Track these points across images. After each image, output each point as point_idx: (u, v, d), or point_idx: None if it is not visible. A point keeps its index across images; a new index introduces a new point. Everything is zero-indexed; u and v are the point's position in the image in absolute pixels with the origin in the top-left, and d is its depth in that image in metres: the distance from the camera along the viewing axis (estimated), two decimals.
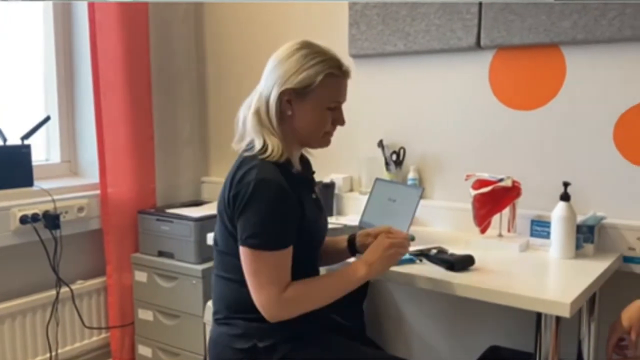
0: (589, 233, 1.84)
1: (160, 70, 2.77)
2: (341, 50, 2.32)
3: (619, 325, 1.51)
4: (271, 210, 1.36)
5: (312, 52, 1.43)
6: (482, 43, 2.08)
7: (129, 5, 2.56)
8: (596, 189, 1.95)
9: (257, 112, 1.46)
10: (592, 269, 1.68)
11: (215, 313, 1.55)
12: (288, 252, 1.40)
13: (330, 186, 2.42)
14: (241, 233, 1.39)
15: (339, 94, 1.49)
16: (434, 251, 1.75)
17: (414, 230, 2.06)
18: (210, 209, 2.50)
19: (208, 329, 2.40)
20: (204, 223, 2.41)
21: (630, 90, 1.87)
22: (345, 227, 2.20)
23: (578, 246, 1.81)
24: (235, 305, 1.46)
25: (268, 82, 1.45)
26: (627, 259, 1.87)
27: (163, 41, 2.78)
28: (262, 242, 1.36)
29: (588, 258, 1.81)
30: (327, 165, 2.49)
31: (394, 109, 2.37)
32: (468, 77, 2.17)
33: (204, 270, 2.39)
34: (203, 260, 2.43)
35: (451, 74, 2.21)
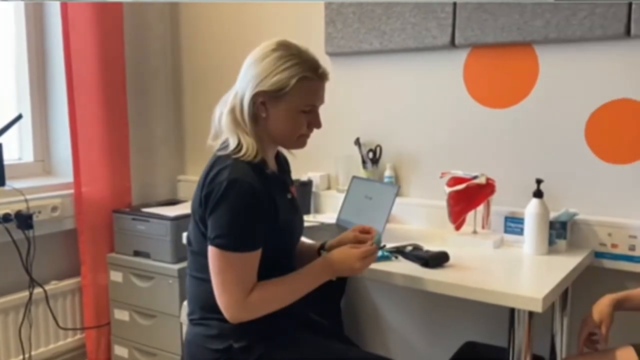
0: (561, 229, 1.86)
1: (135, 69, 2.74)
2: (317, 49, 2.33)
3: (589, 319, 1.54)
4: (240, 212, 1.35)
5: (288, 54, 1.41)
6: (456, 42, 2.10)
7: (103, 4, 2.53)
8: (568, 185, 1.98)
9: (233, 111, 1.44)
10: (565, 265, 1.71)
11: (190, 313, 1.53)
12: (255, 254, 1.38)
13: (307, 184, 2.42)
14: (210, 232, 1.38)
15: (314, 98, 1.46)
16: (409, 248, 1.77)
17: (390, 227, 2.08)
18: (187, 208, 2.45)
19: (185, 329, 2.39)
20: (180, 222, 2.39)
21: (601, 89, 1.91)
22: (323, 225, 2.21)
23: (551, 242, 1.84)
24: (210, 306, 1.45)
25: (243, 82, 1.44)
26: (598, 255, 1.90)
27: (138, 40, 2.76)
28: (229, 242, 1.35)
29: (561, 254, 1.84)
30: (304, 163, 2.48)
31: (370, 107, 2.38)
32: (443, 76, 2.19)
33: (180, 270, 2.38)
34: (179, 260, 2.41)
35: (426, 73, 2.22)
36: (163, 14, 2.87)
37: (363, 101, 2.39)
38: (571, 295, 1.93)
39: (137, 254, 2.53)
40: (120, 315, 2.60)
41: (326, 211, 2.44)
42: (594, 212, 1.93)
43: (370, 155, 2.34)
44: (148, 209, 2.57)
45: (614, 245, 1.88)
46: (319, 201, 2.46)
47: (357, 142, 2.36)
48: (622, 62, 1.86)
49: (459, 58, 2.14)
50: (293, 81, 1.39)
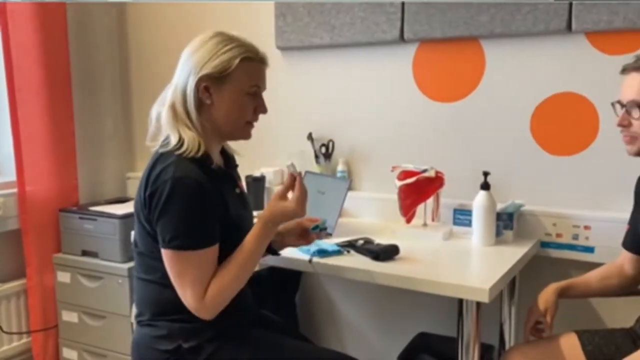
0: (508, 220, 1.91)
1: (80, 65, 2.66)
2: (268, 43, 2.32)
3: (535, 308, 1.58)
4: (191, 210, 1.32)
5: (226, 39, 1.40)
6: (405, 36, 2.11)
7: (44, 3, 2.45)
8: (515, 177, 2.03)
9: (173, 106, 1.41)
10: (511, 255, 1.75)
11: (138, 315, 1.49)
12: (213, 250, 1.36)
13: (260, 180, 2.40)
14: (163, 235, 1.34)
15: (258, 78, 1.44)
16: (361, 242, 1.78)
17: (342, 221, 2.08)
18: None
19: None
20: (128, 220, 2.33)
21: (545, 82, 1.96)
22: None
23: (498, 233, 1.88)
24: (158, 307, 1.42)
25: (182, 73, 1.41)
26: (544, 244, 1.96)
27: (83, 35, 2.67)
28: (184, 243, 1.32)
29: (508, 244, 1.88)
30: (257, 158, 2.48)
31: (322, 101, 2.37)
32: (393, 70, 2.20)
33: (129, 269, 2.32)
34: (129, 259, 2.35)
35: (377, 67, 2.23)
36: (108, 10, 2.79)
37: (315, 96, 2.38)
38: (518, 284, 1.98)
39: (85, 253, 2.46)
40: (69, 317, 2.52)
41: None
42: (539, 203, 1.99)
43: (323, 150, 2.34)
44: (96, 208, 2.50)
45: (558, 235, 1.93)
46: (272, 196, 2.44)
47: (310, 136, 2.35)
48: (564, 56, 1.91)
49: (408, 53, 2.16)
50: (236, 61, 1.38)
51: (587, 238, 1.89)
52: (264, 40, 2.42)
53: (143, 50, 2.81)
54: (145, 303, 1.47)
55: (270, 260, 1.73)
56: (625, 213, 1.70)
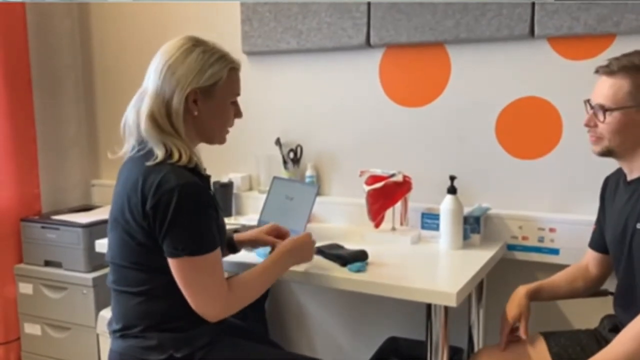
0: (475, 224, 1.92)
1: (41, 68, 2.60)
2: (234, 47, 2.30)
3: (511, 313, 1.58)
4: (200, 215, 1.33)
5: (209, 49, 1.41)
6: (371, 41, 2.12)
7: (2, 3, 2.38)
8: (481, 181, 2.05)
9: (152, 117, 1.37)
10: (479, 259, 1.76)
11: (121, 329, 1.44)
12: (219, 251, 1.39)
13: (228, 186, 2.37)
14: (175, 244, 1.32)
15: (239, 87, 1.49)
16: (330, 248, 1.77)
17: (311, 226, 2.07)
18: (102, 214, 2.39)
19: (102, 339, 2.29)
20: (93, 229, 2.29)
21: (510, 87, 1.98)
22: (243, 228, 2.17)
23: (465, 237, 1.89)
24: (148, 319, 1.40)
25: (165, 84, 1.38)
26: (510, 247, 1.98)
27: (44, 37, 2.61)
28: (199, 248, 1.33)
29: (475, 248, 1.89)
30: (225, 164, 2.45)
31: (289, 106, 2.36)
32: (359, 75, 2.20)
33: (95, 279, 2.28)
34: (94, 269, 2.31)
35: (343, 72, 2.23)
36: (70, 11, 2.73)
37: (282, 101, 2.37)
38: (486, 287, 1.99)
39: (48, 263, 2.41)
40: (31, 329, 2.46)
41: (248, 212, 2.40)
42: (505, 206, 2.01)
43: (291, 155, 2.33)
44: (59, 216, 2.44)
45: (524, 238, 1.95)
46: (240, 202, 2.43)
47: (278, 142, 2.34)
48: (527, 61, 1.94)
49: (375, 58, 2.16)
50: (224, 73, 1.41)
51: (552, 240, 1.91)
52: (230, 45, 2.37)
53: (107, 52, 2.76)
54: (131, 315, 1.43)
55: (238, 268, 1.71)
56: (589, 215, 1.73)
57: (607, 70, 1.39)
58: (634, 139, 1.40)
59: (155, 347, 1.39)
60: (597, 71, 1.43)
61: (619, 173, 1.53)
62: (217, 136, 1.50)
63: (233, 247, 1.69)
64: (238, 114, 1.51)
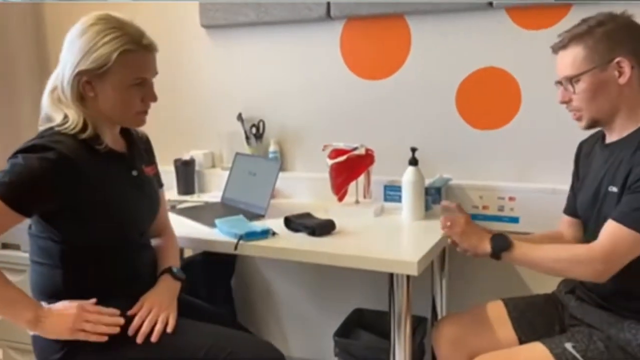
0: (436, 195, 1.94)
1: None
2: (192, 21, 2.25)
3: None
4: (27, 170, 1.26)
5: (107, 28, 1.34)
6: (332, 14, 2.10)
7: None
8: (442, 152, 2.07)
9: (54, 91, 1.38)
10: (440, 229, 1.77)
11: None
12: (12, 215, 1.26)
13: (190, 163, 2.34)
14: None
15: (142, 70, 1.40)
16: (300, 217, 1.76)
17: (275, 202, 2.07)
18: None
19: None
20: None
21: (469, 58, 1.99)
22: (207, 205, 2.15)
23: (427, 207, 1.91)
24: (51, 290, 1.39)
25: (62, 62, 1.37)
26: (472, 217, 1.97)
27: None
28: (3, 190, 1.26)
29: (437, 218, 1.89)
30: (186, 141, 2.41)
31: (250, 81, 2.33)
32: (321, 48, 2.18)
33: None
34: None
35: (304, 45, 2.21)
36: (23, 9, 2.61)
37: (243, 75, 2.34)
38: (448, 256, 2.02)
39: (5, 246, 2.35)
40: None
41: (211, 190, 2.38)
42: (466, 177, 2.03)
43: (254, 130, 2.30)
44: None
45: (485, 207, 1.99)
46: (203, 180, 2.40)
47: (240, 117, 2.31)
48: (486, 31, 1.95)
49: (335, 30, 2.14)
50: (114, 55, 1.33)
51: (512, 209, 1.95)
52: (188, 19, 2.35)
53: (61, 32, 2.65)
54: (35, 287, 1.45)
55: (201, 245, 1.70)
56: (548, 184, 1.76)
57: (560, 44, 1.42)
58: (610, 100, 1.39)
59: None
60: (553, 50, 1.44)
61: (594, 137, 1.54)
62: (125, 120, 1.45)
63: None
64: (150, 97, 1.43)
